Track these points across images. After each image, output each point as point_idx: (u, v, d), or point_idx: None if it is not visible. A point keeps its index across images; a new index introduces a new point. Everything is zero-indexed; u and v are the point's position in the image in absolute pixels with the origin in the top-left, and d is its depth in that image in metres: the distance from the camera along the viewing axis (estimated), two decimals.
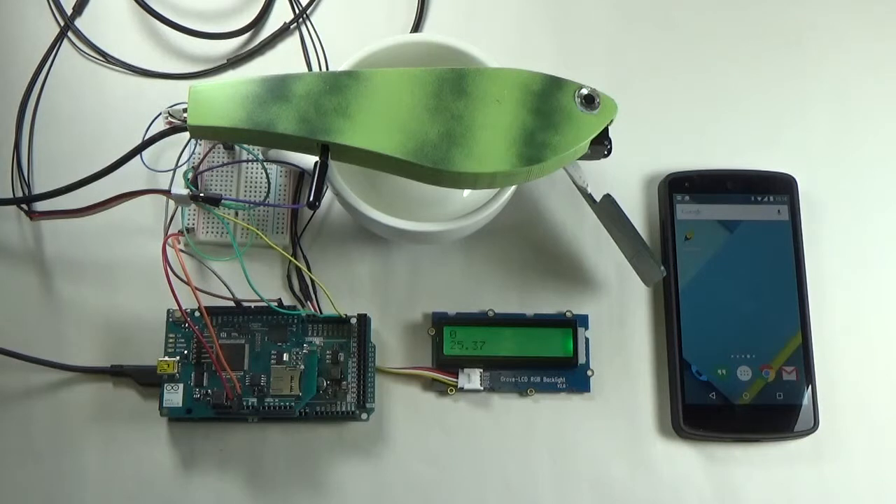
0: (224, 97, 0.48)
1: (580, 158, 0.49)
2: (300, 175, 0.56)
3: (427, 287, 0.56)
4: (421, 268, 0.56)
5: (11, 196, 0.56)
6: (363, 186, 0.53)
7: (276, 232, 0.56)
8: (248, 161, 0.55)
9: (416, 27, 0.60)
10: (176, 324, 0.52)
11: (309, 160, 0.53)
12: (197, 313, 0.51)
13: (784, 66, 0.60)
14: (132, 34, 0.60)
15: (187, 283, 0.49)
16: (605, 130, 0.49)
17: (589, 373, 0.54)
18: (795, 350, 0.54)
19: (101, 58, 0.59)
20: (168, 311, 0.53)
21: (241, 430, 0.53)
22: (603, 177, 0.56)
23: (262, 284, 0.52)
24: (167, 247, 0.49)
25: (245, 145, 0.55)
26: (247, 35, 0.60)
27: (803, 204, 0.56)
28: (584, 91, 0.48)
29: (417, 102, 0.48)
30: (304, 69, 0.59)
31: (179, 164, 0.54)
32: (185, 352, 0.52)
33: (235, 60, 0.59)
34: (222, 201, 0.51)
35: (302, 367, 0.51)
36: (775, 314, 0.54)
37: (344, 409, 0.52)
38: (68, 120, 0.58)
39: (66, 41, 0.59)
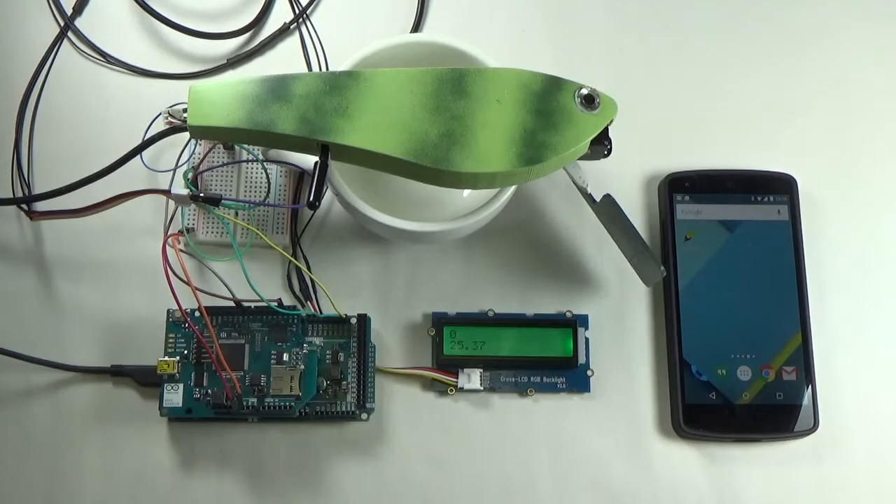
0: (224, 97, 0.48)
1: (580, 158, 0.49)
2: (300, 175, 0.56)
3: (427, 287, 0.56)
4: (421, 268, 0.56)
5: (11, 196, 0.56)
6: (363, 186, 0.53)
7: (276, 232, 0.56)
8: (248, 161, 0.55)
9: (416, 27, 0.60)
10: (176, 324, 0.52)
11: (309, 160, 0.53)
12: (197, 313, 0.51)
13: (784, 66, 0.60)
14: (132, 34, 0.60)
15: (187, 283, 0.49)
16: (605, 130, 0.49)
17: (589, 373, 0.54)
18: (795, 350, 0.54)
19: (101, 58, 0.59)
20: (168, 311, 0.53)
21: (241, 430, 0.53)
22: (603, 177, 0.56)
23: (262, 284, 0.52)
24: (167, 247, 0.49)
25: (245, 145, 0.55)
26: (247, 35, 0.60)
27: (803, 204, 0.56)
28: (584, 91, 0.48)
29: (417, 102, 0.48)
30: (304, 69, 0.59)
31: (179, 164, 0.54)
32: (185, 352, 0.52)
33: (235, 60, 0.59)
34: (222, 201, 0.51)
35: (302, 367, 0.51)
36: (775, 314, 0.54)
37: (344, 409, 0.52)
38: (68, 120, 0.58)
39: (66, 41, 0.59)
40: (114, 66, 0.59)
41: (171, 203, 0.53)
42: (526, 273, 0.56)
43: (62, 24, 0.59)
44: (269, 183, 0.56)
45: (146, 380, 0.53)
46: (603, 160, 0.50)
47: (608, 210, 0.52)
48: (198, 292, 0.49)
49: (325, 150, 0.47)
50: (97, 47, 0.59)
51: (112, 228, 0.56)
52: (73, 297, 0.55)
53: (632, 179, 0.58)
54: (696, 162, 0.58)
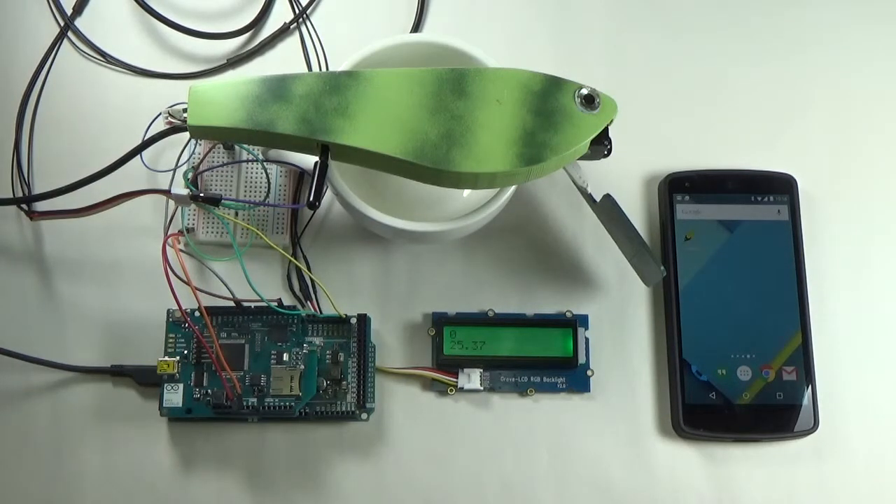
0: (224, 97, 0.48)
1: (580, 158, 0.49)
2: (300, 175, 0.56)
3: (427, 287, 0.56)
4: (421, 268, 0.56)
5: (11, 196, 0.56)
6: (363, 186, 0.53)
7: (276, 232, 0.56)
8: (248, 161, 0.56)
9: (416, 27, 0.60)
10: (176, 324, 0.52)
11: (309, 160, 0.53)
12: (197, 313, 0.51)
13: (784, 66, 0.60)
14: (132, 34, 0.60)
15: (187, 283, 0.49)
16: (605, 130, 0.49)
17: (589, 373, 0.54)
18: (795, 350, 0.54)
19: (101, 58, 0.59)
20: (168, 311, 0.53)
21: (241, 430, 0.53)
22: (603, 177, 0.56)
23: (262, 284, 0.52)
24: (167, 247, 0.49)
25: (245, 145, 0.55)
26: (247, 35, 0.60)
27: (803, 204, 0.56)
28: (584, 91, 0.48)
29: (417, 102, 0.48)
30: (304, 69, 0.59)
31: (179, 164, 0.54)
32: (185, 352, 0.52)
33: (235, 60, 0.59)
34: (222, 201, 0.51)
35: (302, 367, 0.51)
36: (775, 314, 0.55)
37: (344, 409, 0.52)
38: (68, 120, 0.58)
39: (66, 41, 0.59)
40: (114, 66, 0.59)
41: (171, 203, 0.53)
42: (526, 273, 0.56)
43: (62, 24, 0.59)
44: (269, 183, 0.56)
45: (146, 380, 0.53)
46: (603, 160, 0.50)
47: (608, 210, 0.52)
48: (198, 292, 0.49)
49: (325, 150, 0.47)
50: (97, 47, 0.59)
51: (112, 228, 0.56)
52: (73, 297, 0.55)
53: (632, 179, 0.58)
54: (696, 162, 0.58)
